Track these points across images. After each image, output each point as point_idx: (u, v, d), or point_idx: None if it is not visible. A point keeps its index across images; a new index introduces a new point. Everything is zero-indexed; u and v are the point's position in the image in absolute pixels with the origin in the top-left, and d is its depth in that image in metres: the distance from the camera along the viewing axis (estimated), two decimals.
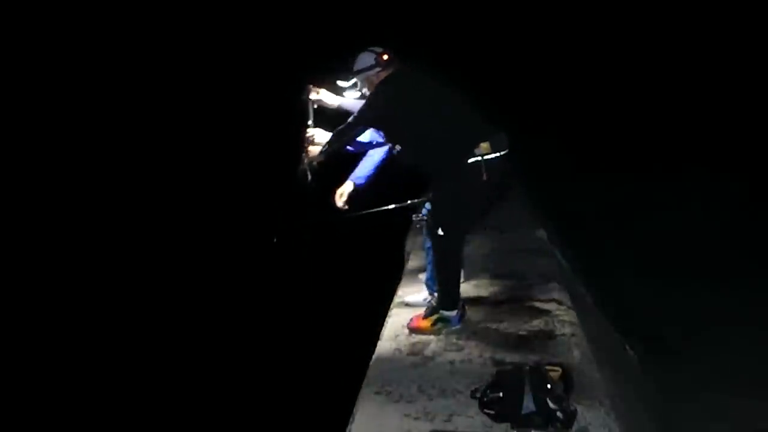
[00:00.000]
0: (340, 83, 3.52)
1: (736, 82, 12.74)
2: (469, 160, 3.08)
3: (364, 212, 3.75)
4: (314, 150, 3.41)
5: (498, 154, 3.12)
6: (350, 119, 3.29)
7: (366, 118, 3.27)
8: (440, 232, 3.18)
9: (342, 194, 3.62)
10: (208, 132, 11.63)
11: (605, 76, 14.36)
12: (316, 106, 3.56)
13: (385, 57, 3.32)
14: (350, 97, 3.54)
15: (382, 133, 3.44)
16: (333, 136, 3.37)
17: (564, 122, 13.16)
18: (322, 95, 3.56)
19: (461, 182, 3.15)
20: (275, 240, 3.88)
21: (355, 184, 3.64)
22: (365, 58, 3.36)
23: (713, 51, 13.84)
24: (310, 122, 3.50)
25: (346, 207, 3.62)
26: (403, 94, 3.23)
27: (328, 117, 3.58)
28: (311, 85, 3.56)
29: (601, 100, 13.63)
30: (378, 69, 3.32)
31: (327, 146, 3.37)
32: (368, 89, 3.40)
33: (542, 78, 15.02)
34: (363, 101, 3.42)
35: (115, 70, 12.22)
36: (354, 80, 3.45)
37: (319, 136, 3.44)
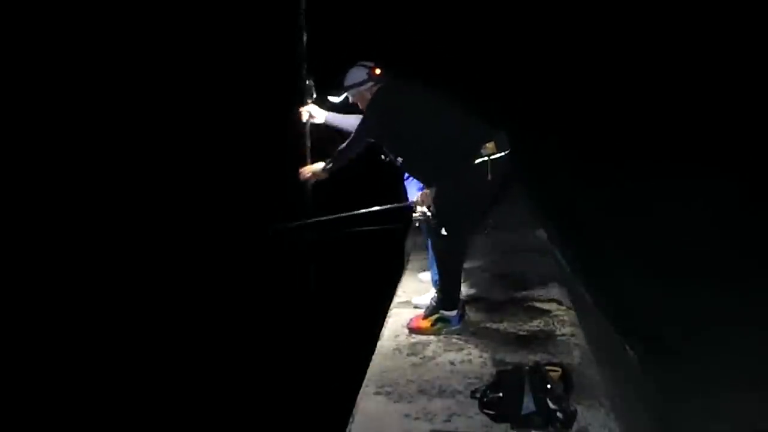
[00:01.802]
0: (331, 98, 3.50)
1: (736, 81, 12.74)
2: (476, 161, 3.08)
3: (361, 212, 3.75)
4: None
5: (502, 154, 3.13)
6: (350, 138, 3.30)
7: (365, 135, 3.28)
8: (444, 232, 3.17)
9: (311, 172, 3.53)
10: (206, 132, 11.60)
11: (606, 76, 14.37)
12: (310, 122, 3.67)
13: (377, 71, 3.30)
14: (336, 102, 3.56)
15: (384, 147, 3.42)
16: (335, 155, 3.38)
17: (564, 122, 13.16)
18: (312, 111, 3.64)
19: (466, 183, 3.15)
20: (270, 233, 3.88)
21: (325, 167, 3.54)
22: (356, 73, 3.34)
23: (713, 50, 13.84)
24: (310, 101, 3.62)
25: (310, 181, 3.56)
26: (400, 106, 3.23)
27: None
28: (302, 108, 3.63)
29: (602, 99, 13.63)
30: (370, 84, 3.31)
31: (330, 164, 3.41)
32: (361, 105, 3.39)
33: (543, 77, 15.02)
34: (350, 116, 3.46)
35: (105, 66, 12.08)
36: (345, 95, 3.43)
37: (316, 112, 3.60)
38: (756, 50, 13.17)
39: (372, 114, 3.27)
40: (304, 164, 3.59)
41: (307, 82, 3.67)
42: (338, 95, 3.46)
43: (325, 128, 3.69)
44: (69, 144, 10.63)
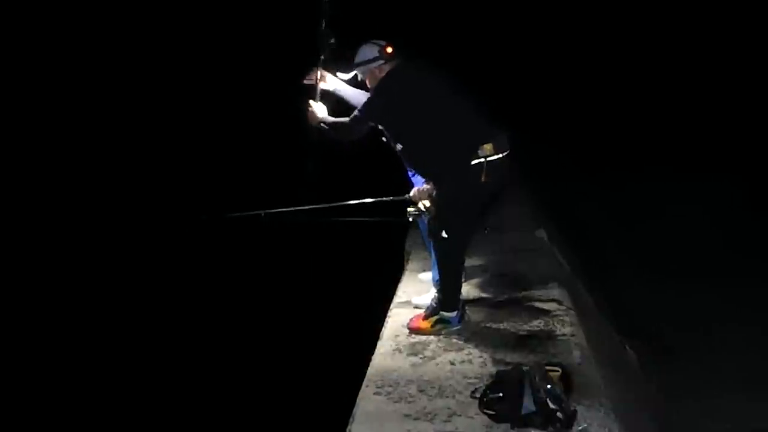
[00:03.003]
0: (340, 75, 3.47)
1: (736, 83, 12.75)
2: (472, 162, 3.07)
3: (356, 202, 3.75)
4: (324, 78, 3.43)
5: (500, 156, 3.13)
6: (353, 115, 3.25)
7: (369, 115, 3.24)
8: (444, 234, 3.16)
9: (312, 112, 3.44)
10: (208, 130, 11.59)
11: (606, 77, 14.38)
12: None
13: (389, 50, 3.26)
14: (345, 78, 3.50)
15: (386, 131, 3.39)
16: (334, 123, 3.32)
17: (565, 122, 13.16)
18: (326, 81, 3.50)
19: (464, 184, 3.14)
20: (262, 215, 3.85)
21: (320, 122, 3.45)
22: (368, 51, 3.31)
23: (713, 52, 13.85)
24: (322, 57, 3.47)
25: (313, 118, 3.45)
26: (408, 91, 3.19)
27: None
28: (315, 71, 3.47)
29: (602, 100, 13.64)
30: (381, 62, 3.27)
31: (325, 127, 3.33)
32: (369, 83, 3.35)
33: (543, 78, 15.02)
34: (358, 90, 3.41)
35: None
36: (354, 72, 3.41)
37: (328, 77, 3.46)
38: (756, 51, 13.17)
39: (378, 98, 3.22)
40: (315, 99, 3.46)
41: (325, 33, 3.47)
42: (347, 72, 3.42)
43: (336, 100, 3.58)
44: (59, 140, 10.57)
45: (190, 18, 12.62)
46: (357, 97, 3.51)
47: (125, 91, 11.73)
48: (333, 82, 3.56)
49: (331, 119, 3.39)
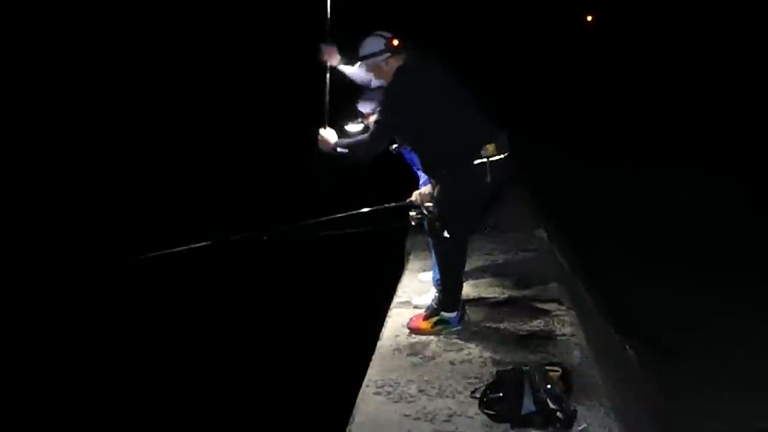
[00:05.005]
0: (343, 68, 3.40)
1: (736, 81, 12.76)
2: (475, 162, 3.07)
3: (358, 212, 3.74)
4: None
5: (502, 156, 3.12)
6: (372, 129, 3.21)
7: (386, 132, 3.20)
8: (446, 234, 3.15)
9: (323, 139, 3.38)
10: (212, 128, 11.58)
11: (605, 76, 14.39)
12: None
13: (396, 42, 3.19)
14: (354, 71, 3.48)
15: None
16: (350, 148, 3.27)
17: (565, 121, 13.17)
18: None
19: (467, 183, 3.13)
20: (265, 238, 3.83)
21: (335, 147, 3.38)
22: (373, 43, 3.22)
23: (712, 51, 13.86)
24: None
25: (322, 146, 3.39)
26: (419, 87, 3.15)
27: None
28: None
29: (602, 99, 13.65)
30: (388, 54, 3.19)
31: (341, 152, 3.28)
32: (376, 75, 3.31)
33: (542, 77, 15.04)
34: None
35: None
36: (358, 65, 3.36)
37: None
38: (755, 50, 13.18)
39: (395, 98, 3.16)
40: (324, 126, 3.40)
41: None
42: (351, 65, 3.36)
43: (342, 79, 3.52)
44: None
45: (189, 18, 12.62)
46: (361, 74, 3.48)
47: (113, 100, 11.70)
48: (337, 59, 3.48)
49: (347, 141, 3.32)
